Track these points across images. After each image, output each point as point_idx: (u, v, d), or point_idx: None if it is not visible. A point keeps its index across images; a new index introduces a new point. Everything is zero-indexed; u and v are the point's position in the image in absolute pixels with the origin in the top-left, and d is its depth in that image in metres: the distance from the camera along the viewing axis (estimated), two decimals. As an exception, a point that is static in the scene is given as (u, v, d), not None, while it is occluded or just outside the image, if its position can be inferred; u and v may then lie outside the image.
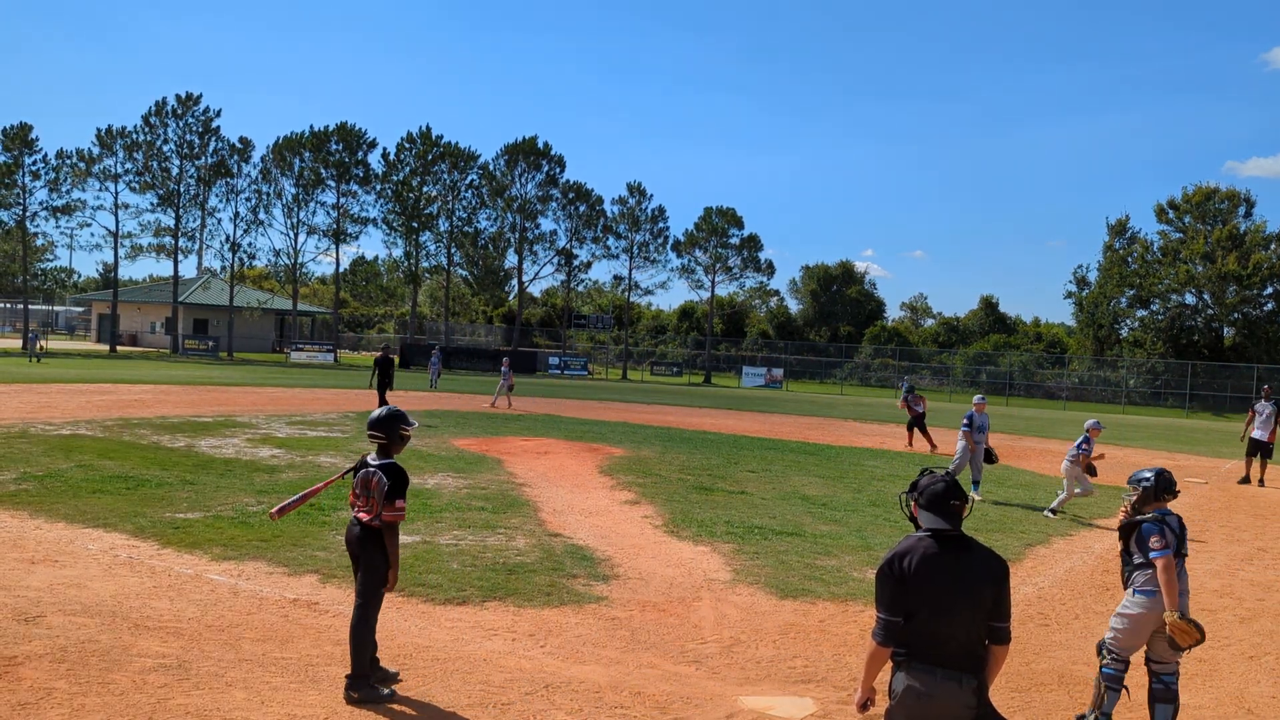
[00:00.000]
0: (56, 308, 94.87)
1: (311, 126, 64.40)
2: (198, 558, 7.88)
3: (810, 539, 10.13)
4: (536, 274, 70.01)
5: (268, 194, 60.15)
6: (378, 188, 63.54)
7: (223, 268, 65.10)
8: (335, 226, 62.13)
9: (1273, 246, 58.00)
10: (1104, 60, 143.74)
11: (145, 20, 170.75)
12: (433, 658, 5.85)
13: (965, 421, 14.27)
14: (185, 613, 6.40)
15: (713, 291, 69.65)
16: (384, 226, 64.69)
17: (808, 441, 22.06)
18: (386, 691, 5.20)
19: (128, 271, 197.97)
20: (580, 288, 76.55)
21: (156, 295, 67.78)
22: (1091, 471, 12.54)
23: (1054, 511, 12.61)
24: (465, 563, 8.18)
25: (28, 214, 57.09)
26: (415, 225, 64.12)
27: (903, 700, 3.41)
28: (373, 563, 5.26)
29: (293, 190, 60.76)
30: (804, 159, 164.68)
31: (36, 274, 72.76)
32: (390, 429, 5.39)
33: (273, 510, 5.61)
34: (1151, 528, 5.10)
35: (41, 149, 56.97)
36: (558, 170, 66.61)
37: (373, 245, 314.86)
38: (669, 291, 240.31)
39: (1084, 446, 12.42)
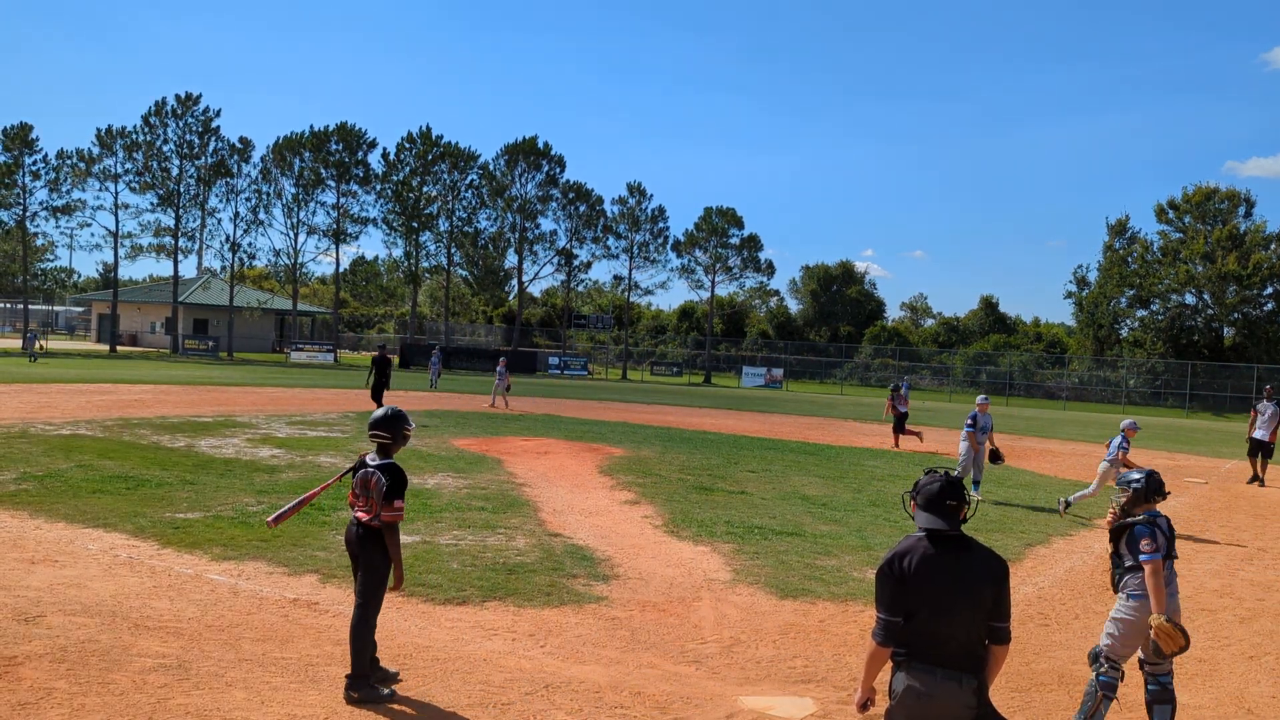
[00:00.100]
0: (56, 308, 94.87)
1: (311, 126, 64.48)
2: (198, 558, 7.88)
3: (810, 539, 10.13)
4: (536, 274, 70.13)
5: (268, 194, 60.20)
6: (378, 188, 63.55)
7: (223, 268, 65.16)
8: (335, 226, 62.14)
9: (1273, 246, 58.00)
10: (1104, 60, 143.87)
11: (145, 20, 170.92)
12: (433, 658, 5.85)
13: (969, 422, 14.24)
14: (185, 613, 6.40)
15: (713, 291, 69.69)
16: (384, 226, 64.73)
17: (808, 441, 22.06)
18: (386, 691, 5.20)
19: (128, 271, 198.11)
20: (580, 288, 76.61)
21: (156, 295, 67.79)
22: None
23: (1068, 505, 12.33)
24: (465, 563, 8.18)
25: (28, 214, 57.13)
26: (415, 225, 64.12)
27: (903, 700, 3.40)
28: (372, 563, 5.26)
29: (293, 190, 60.80)
30: (804, 159, 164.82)
31: (36, 274, 72.86)
32: (396, 428, 5.40)
33: (269, 519, 5.62)
34: (1144, 530, 5.04)
35: (42, 149, 57.13)
36: (558, 170, 66.65)
37: (373, 245, 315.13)
38: (669, 291, 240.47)
39: (1124, 446, 12.30)
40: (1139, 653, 5.14)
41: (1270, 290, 58.39)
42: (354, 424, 19.49)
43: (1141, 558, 4.99)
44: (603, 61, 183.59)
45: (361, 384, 26.38)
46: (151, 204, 57.46)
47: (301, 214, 61.01)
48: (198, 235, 60.46)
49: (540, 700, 5.26)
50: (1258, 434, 18.24)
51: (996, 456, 14.52)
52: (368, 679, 5.16)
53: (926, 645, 3.39)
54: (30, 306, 64.02)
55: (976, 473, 14.28)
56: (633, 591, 7.67)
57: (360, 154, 62.45)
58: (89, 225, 69.42)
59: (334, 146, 61.41)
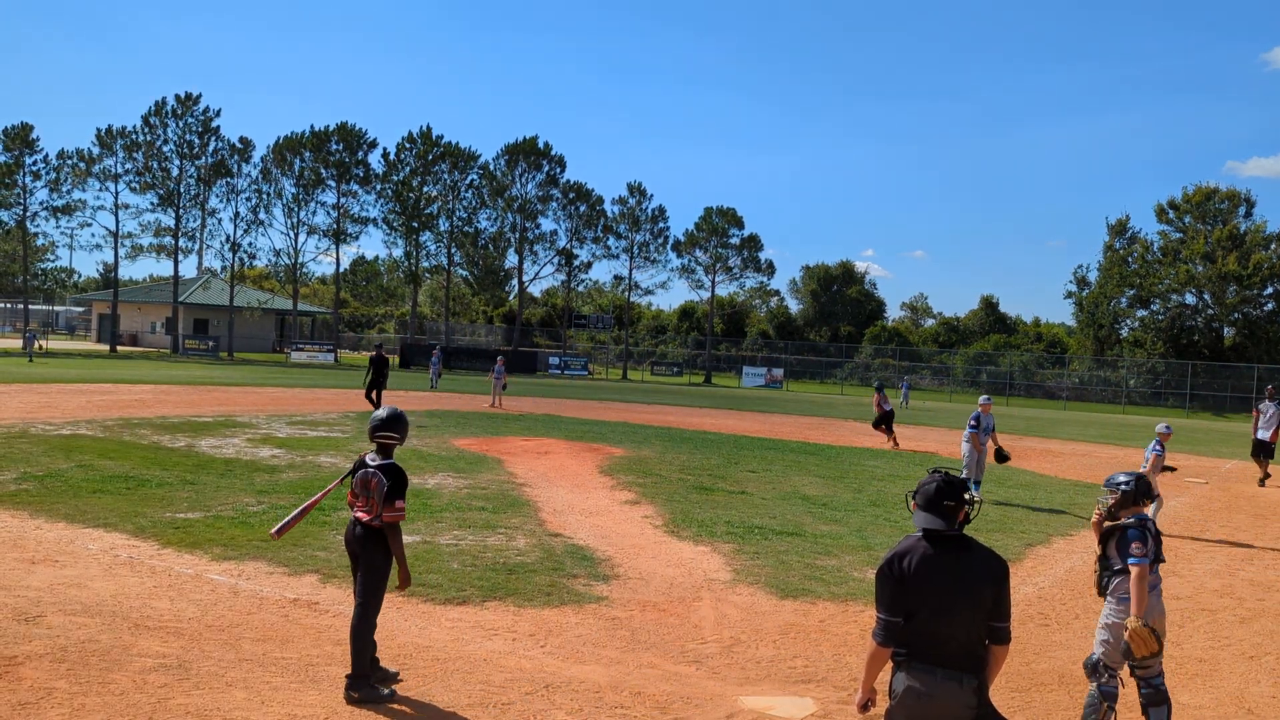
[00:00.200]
0: (57, 308, 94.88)
1: (311, 126, 64.37)
2: (198, 558, 7.89)
3: (810, 539, 10.13)
4: (537, 274, 70.11)
5: (268, 194, 60.21)
6: (378, 188, 63.55)
7: (223, 268, 65.20)
8: (335, 226, 62.15)
9: (1273, 246, 58.03)
10: (1104, 60, 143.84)
11: (145, 20, 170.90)
12: (433, 658, 5.85)
13: (972, 422, 14.24)
14: (185, 613, 6.40)
15: (713, 291, 69.69)
16: (384, 226, 64.75)
17: (808, 441, 22.06)
18: (386, 691, 5.20)
19: (128, 271, 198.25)
20: (580, 288, 76.59)
21: (156, 295, 67.80)
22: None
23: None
24: (465, 562, 8.19)
25: (28, 214, 57.17)
26: (415, 225, 64.12)
27: (903, 700, 3.40)
28: (373, 562, 5.26)
29: (293, 190, 60.79)
30: (804, 159, 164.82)
31: (37, 274, 72.94)
32: (402, 429, 5.43)
33: (273, 531, 5.64)
34: (1136, 533, 4.96)
35: (42, 149, 57.18)
36: (558, 170, 66.65)
37: (373, 245, 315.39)
38: (669, 291, 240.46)
39: (1158, 449, 12.21)
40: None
41: (1270, 290, 58.44)
42: (354, 424, 19.49)
43: (1130, 560, 4.91)
44: (603, 61, 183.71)
45: (361, 384, 26.37)
46: (151, 204, 57.52)
47: (302, 214, 61.06)
48: (198, 235, 60.57)
49: (540, 700, 5.26)
50: (1259, 434, 18.23)
51: (1002, 455, 14.57)
52: (368, 679, 5.16)
53: (927, 645, 3.39)
54: (31, 306, 64.02)
55: (977, 473, 14.28)
56: (633, 591, 7.67)
57: (360, 154, 62.46)
58: (89, 225, 69.27)
59: (334, 146, 61.42)
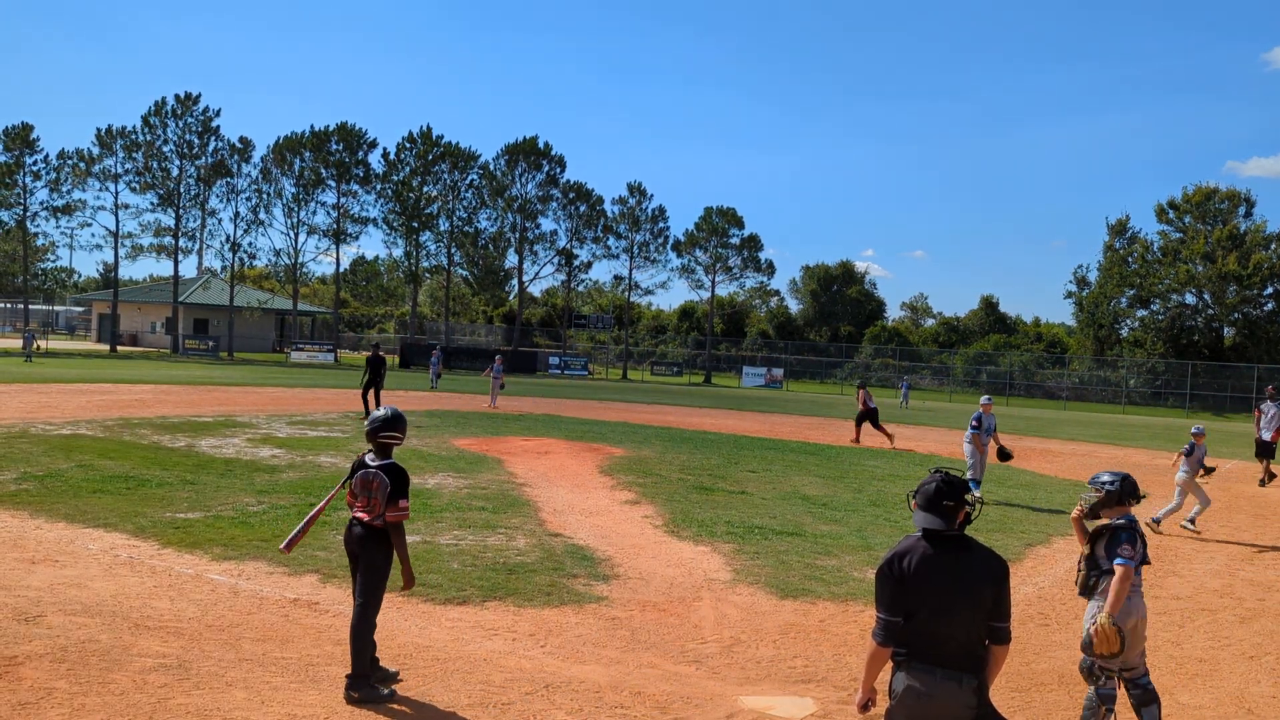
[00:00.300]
0: (57, 308, 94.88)
1: (312, 126, 64.42)
2: (198, 558, 7.88)
3: (810, 539, 10.13)
4: (537, 274, 70.14)
5: (268, 194, 60.26)
6: (378, 188, 63.59)
7: (223, 268, 65.22)
8: (335, 226, 62.16)
9: (1273, 246, 58.03)
10: (1104, 60, 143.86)
11: (145, 20, 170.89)
12: (433, 657, 5.85)
13: (974, 423, 14.25)
14: (185, 612, 6.40)
15: (713, 291, 69.70)
16: (384, 226, 64.78)
17: (808, 441, 22.06)
18: (386, 691, 5.20)
19: (128, 271, 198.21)
20: (580, 288, 76.67)
21: (157, 295, 67.81)
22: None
23: (1158, 522, 12.06)
24: (465, 562, 8.19)
25: (28, 214, 57.19)
26: (415, 225, 64.13)
27: (903, 700, 3.40)
28: (373, 562, 5.26)
29: (293, 190, 60.85)
30: (804, 159, 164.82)
31: (37, 274, 72.90)
32: (403, 428, 5.45)
33: (282, 545, 5.68)
34: (1128, 535, 4.91)
35: (43, 149, 57.23)
36: (558, 170, 66.67)
37: (373, 245, 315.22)
38: (669, 291, 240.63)
39: (1186, 451, 12.08)
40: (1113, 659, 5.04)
41: (1270, 290, 58.45)
42: (354, 424, 19.49)
43: (1116, 561, 4.85)
44: (603, 61, 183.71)
45: (358, 384, 26.36)
46: (151, 204, 57.56)
47: (302, 214, 61.09)
48: (198, 235, 60.57)
49: (540, 700, 5.26)
50: (1262, 434, 18.22)
51: (1005, 454, 14.63)
52: (368, 679, 5.16)
53: (926, 645, 3.38)
54: (31, 306, 64.02)
55: (978, 473, 14.29)
56: (633, 591, 7.67)
57: (360, 154, 62.51)
58: (89, 225, 69.47)
59: (334, 146, 61.44)
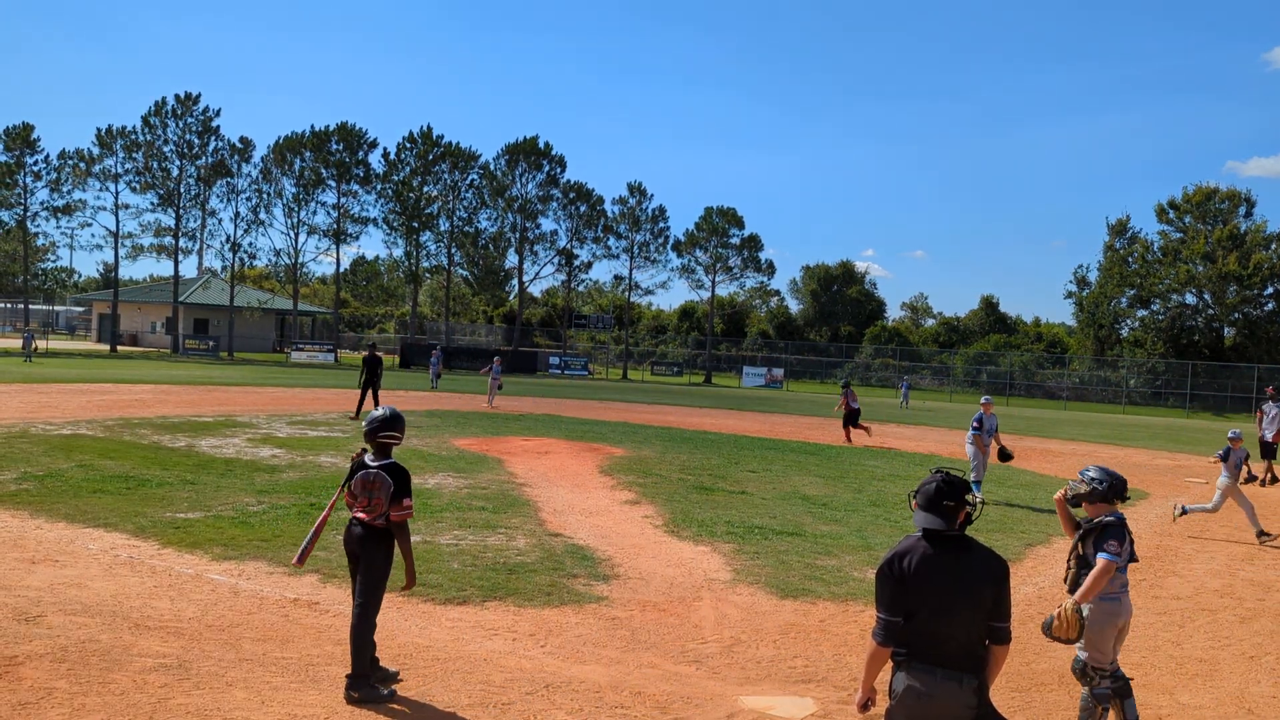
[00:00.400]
0: (57, 308, 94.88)
1: (312, 126, 64.40)
2: (198, 557, 7.89)
3: (810, 539, 10.13)
4: (537, 274, 70.09)
5: (268, 194, 60.21)
6: (378, 187, 63.56)
7: (223, 268, 65.22)
8: (335, 226, 62.15)
9: (1273, 246, 58.01)
10: (1104, 60, 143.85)
11: (145, 20, 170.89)
12: (433, 657, 5.85)
13: (975, 424, 14.25)
14: (185, 612, 6.40)
15: (713, 291, 69.68)
16: (384, 226, 64.74)
17: (808, 441, 22.06)
18: (386, 691, 5.20)
19: (128, 271, 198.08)
20: (580, 288, 76.65)
21: (157, 295, 67.81)
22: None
23: (1184, 511, 12.11)
24: (466, 562, 8.19)
25: (29, 214, 57.19)
26: (415, 225, 64.12)
27: (903, 700, 3.40)
28: (373, 562, 5.27)
29: (293, 190, 60.81)
30: (804, 159, 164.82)
31: (37, 274, 72.90)
32: (402, 428, 5.46)
33: (294, 560, 5.71)
34: (1117, 532, 4.92)
35: (43, 149, 57.24)
36: (558, 170, 66.64)
37: (373, 245, 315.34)
38: (669, 291, 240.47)
39: (1221, 455, 12.06)
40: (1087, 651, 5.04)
41: (1271, 290, 58.43)
42: (354, 424, 19.50)
43: (1100, 555, 4.85)
44: (603, 61, 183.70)
45: (356, 384, 26.35)
46: (152, 204, 57.53)
47: (302, 214, 61.07)
48: (198, 235, 60.54)
49: (540, 700, 5.26)
50: (1264, 435, 18.20)
51: (1006, 454, 14.64)
52: (368, 679, 5.16)
53: (926, 645, 3.39)
54: (31, 306, 64.06)
55: (979, 474, 14.29)
56: (633, 591, 7.67)
57: (361, 154, 62.47)
58: (89, 225, 69.40)
59: (334, 146, 61.42)
